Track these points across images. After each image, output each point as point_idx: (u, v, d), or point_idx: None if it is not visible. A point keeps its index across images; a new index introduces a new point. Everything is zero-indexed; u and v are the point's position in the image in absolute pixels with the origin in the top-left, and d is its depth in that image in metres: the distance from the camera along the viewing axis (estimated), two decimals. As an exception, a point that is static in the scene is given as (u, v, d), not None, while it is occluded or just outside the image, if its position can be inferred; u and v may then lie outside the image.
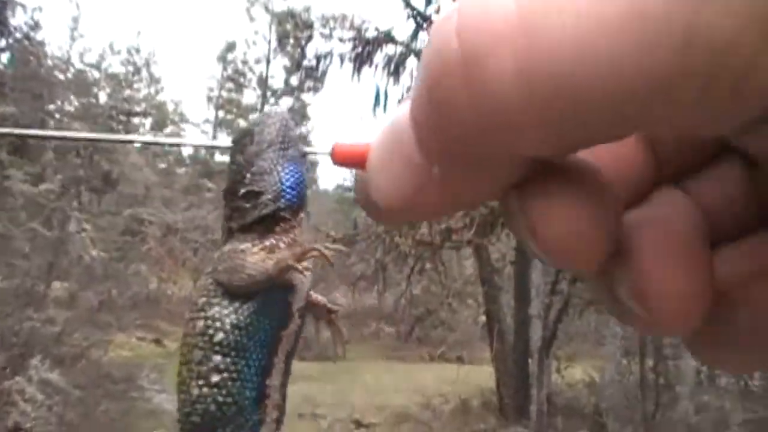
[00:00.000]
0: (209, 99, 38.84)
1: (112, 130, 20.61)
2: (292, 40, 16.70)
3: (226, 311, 0.47)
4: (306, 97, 35.88)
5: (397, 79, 14.48)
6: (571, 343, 14.22)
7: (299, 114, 37.20)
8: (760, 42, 0.22)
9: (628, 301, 0.33)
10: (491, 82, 0.25)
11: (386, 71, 14.54)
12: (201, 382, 0.48)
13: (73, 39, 24.91)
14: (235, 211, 0.44)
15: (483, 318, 14.28)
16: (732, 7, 0.22)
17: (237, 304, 0.47)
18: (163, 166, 35.65)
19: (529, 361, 10.74)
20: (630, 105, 0.24)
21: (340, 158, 0.42)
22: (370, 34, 14.84)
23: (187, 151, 39.24)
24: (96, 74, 25.09)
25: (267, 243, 0.49)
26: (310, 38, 15.69)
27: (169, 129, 37.98)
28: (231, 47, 37.86)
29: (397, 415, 12.96)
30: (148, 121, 35.17)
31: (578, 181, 0.31)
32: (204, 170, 35.62)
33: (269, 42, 35.17)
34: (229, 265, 0.47)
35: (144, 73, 33.87)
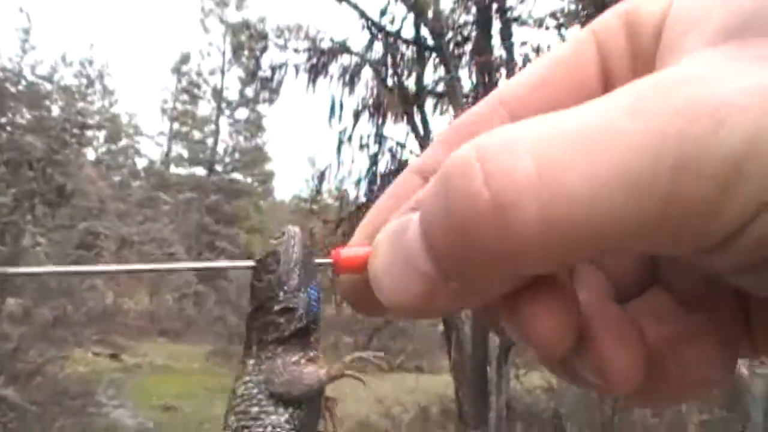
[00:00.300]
0: (164, 111, 38.63)
1: (65, 143, 20.38)
2: (246, 51, 16.65)
3: (283, 418, 0.53)
4: (261, 108, 35.79)
5: (352, 90, 14.49)
6: (529, 349, 14.31)
7: (255, 125, 37.10)
8: (722, 197, 0.31)
9: (590, 376, 0.41)
10: (518, 224, 0.32)
11: (341, 81, 14.55)
12: None
13: (24, 51, 24.67)
14: (270, 324, 0.51)
15: (441, 327, 14.33)
16: (701, 176, 0.30)
17: (291, 410, 0.54)
18: (117, 179, 35.37)
19: (488, 368, 10.80)
20: (619, 240, 0.33)
21: (344, 268, 0.48)
22: (325, 44, 14.84)
23: (141, 164, 38.95)
24: (48, 86, 24.86)
25: (311, 354, 0.56)
26: (265, 49, 15.66)
27: (123, 142, 37.68)
28: (185, 59, 37.68)
29: (357, 424, 12.96)
30: (102, 134, 34.89)
31: (555, 288, 0.38)
32: (159, 183, 35.39)
33: (224, 53, 35.11)
34: (287, 378, 0.53)
35: (97, 86, 33.66)
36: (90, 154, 32.77)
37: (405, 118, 14.04)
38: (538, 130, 0.33)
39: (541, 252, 0.33)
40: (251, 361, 0.57)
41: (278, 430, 0.55)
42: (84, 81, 31.50)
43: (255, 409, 0.55)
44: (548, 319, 0.38)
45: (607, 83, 0.44)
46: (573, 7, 11.38)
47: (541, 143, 0.33)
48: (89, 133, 27.03)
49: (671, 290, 0.46)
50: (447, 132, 0.50)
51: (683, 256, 0.36)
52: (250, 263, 0.55)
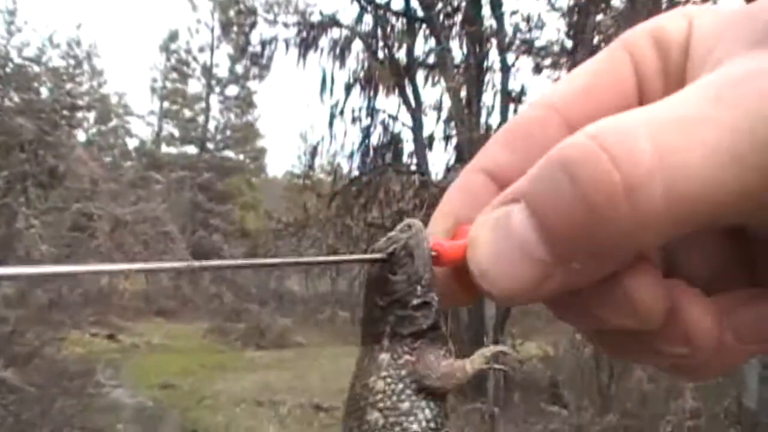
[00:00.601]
0: (153, 90, 38.41)
1: (55, 124, 20.30)
2: (236, 27, 16.58)
3: (434, 412, 0.52)
4: (252, 84, 35.64)
5: (343, 63, 14.47)
6: (525, 320, 14.36)
7: (245, 102, 36.97)
8: None
9: (676, 346, 0.46)
10: (646, 202, 0.37)
11: (332, 55, 14.52)
12: None
13: (10, 33, 24.45)
14: (405, 319, 0.49)
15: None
16: None
17: (439, 404, 0.53)
18: (109, 159, 35.26)
19: (484, 338, 10.83)
20: (729, 210, 0.38)
21: (447, 261, 0.51)
22: (315, 18, 14.80)
23: (132, 144, 38.84)
24: (36, 68, 24.68)
25: (449, 347, 0.55)
26: (254, 25, 15.60)
27: (113, 122, 37.53)
28: (173, 36, 37.46)
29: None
30: (92, 115, 34.73)
31: (651, 266, 0.43)
32: (151, 162, 35.29)
33: (212, 30, 34.90)
34: (443, 372, 0.52)
35: (86, 66, 33.43)
36: (81, 135, 32.64)
37: (396, 90, 14.02)
38: (647, 118, 0.39)
39: (664, 226, 0.38)
40: (384, 356, 0.54)
41: (431, 424, 0.53)
42: (72, 62, 31.24)
43: (406, 404, 0.53)
44: (653, 289, 0.43)
45: (642, 96, 0.51)
46: None
47: (654, 129, 0.38)
48: (79, 114, 26.92)
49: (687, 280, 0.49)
50: (502, 134, 0.54)
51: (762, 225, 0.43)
52: (381, 256, 0.53)
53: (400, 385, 0.52)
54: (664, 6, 9.97)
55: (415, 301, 0.52)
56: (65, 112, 21.89)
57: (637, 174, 0.37)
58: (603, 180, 0.37)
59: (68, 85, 26.60)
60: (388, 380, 0.52)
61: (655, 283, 0.43)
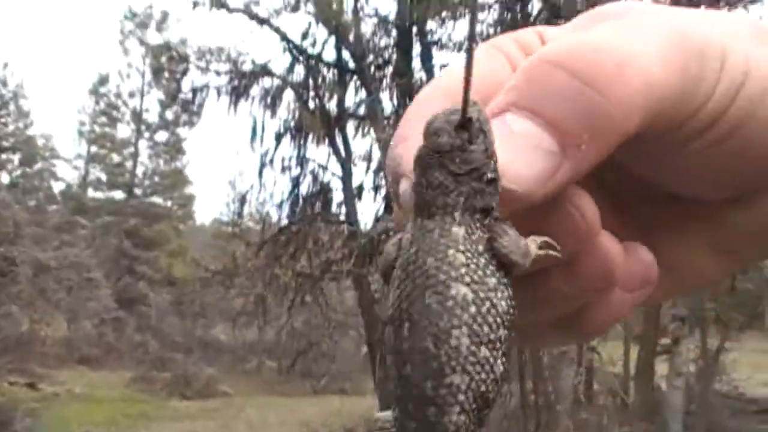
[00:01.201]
0: (81, 133, 37.88)
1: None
2: (167, 73, 16.50)
3: (511, 294, 0.47)
4: (181, 131, 35.41)
5: (274, 112, 14.49)
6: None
7: (174, 148, 36.73)
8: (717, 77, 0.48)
9: (594, 281, 0.52)
10: (630, 85, 0.45)
11: (263, 104, 14.53)
12: (504, 360, 0.45)
13: (-65, 73, 24.06)
14: (478, 192, 0.43)
15: (365, 349, 14.35)
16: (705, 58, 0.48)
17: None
18: (33, 203, 34.62)
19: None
20: (673, 105, 0.47)
21: None
22: (247, 67, 14.83)
23: (58, 187, 38.20)
24: (-39, 109, 24.26)
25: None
26: (185, 71, 15.56)
27: (39, 165, 36.92)
28: (104, 80, 37.12)
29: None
30: (16, 157, 34.14)
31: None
32: (77, 207, 34.74)
33: (143, 74, 34.68)
34: (524, 250, 0.47)
35: (12, 107, 32.93)
36: (4, 177, 32.08)
37: (327, 140, 14.08)
38: (597, 34, 0.49)
39: (644, 105, 0.46)
40: (458, 229, 0.49)
41: (513, 303, 0.50)
42: (-3, 102, 30.83)
43: (492, 280, 0.48)
44: (591, 202, 0.50)
45: None
46: (492, 31, 11.56)
47: (611, 36, 0.48)
48: (3, 155, 26.49)
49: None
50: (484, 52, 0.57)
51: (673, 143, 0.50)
52: (462, 118, 0.48)
53: (482, 260, 0.48)
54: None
55: (489, 175, 0.49)
56: (-11, 155, 21.54)
57: (621, 65, 0.45)
58: (597, 62, 0.46)
59: (-7, 127, 26.20)
60: (468, 254, 0.47)
61: (591, 201, 0.50)
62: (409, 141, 0.50)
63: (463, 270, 0.47)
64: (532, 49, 0.55)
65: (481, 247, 0.49)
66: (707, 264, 0.58)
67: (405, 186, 0.49)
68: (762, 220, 0.56)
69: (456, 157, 0.48)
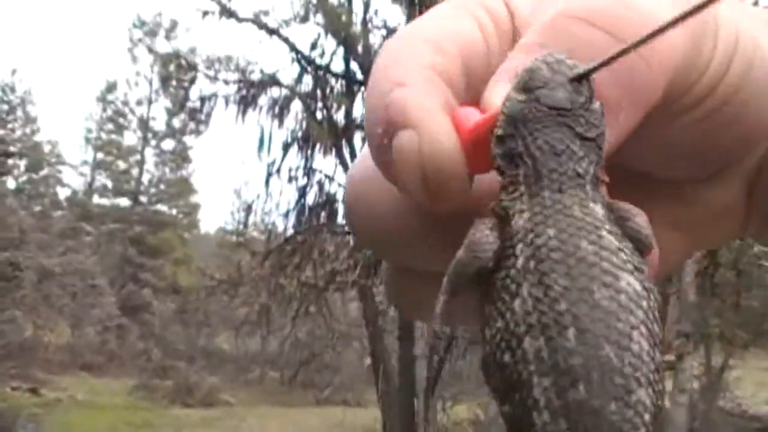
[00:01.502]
0: (87, 140, 37.97)
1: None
2: (175, 82, 16.54)
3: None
4: (188, 139, 35.47)
5: (281, 122, 14.51)
6: (456, 383, 14.38)
7: (180, 157, 36.79)
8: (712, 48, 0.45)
9: None
10: (662, 47, 0.42)
11: (271, 114, 14.56)
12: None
13: (-56, 78, 24.14)
14: (598, 163, 0.35)
15: (368, 360, 14.32)
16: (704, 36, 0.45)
17: None
18: (39, 208, 34.68)
19: (415, 401, 10.81)
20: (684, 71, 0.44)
21: (472, 137, 0.43)
22: (255, 76, 14.86)
23: (64, 193, 38.29)
24: (-32, 114, 24.35)
25: None
26: (193, 80, 15.59)
27: (45, 171, 37.01)
28: (111, 87, 37.23)
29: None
30: (23, 163, 34.22)
31: None
32: (82, 213, 34.78)
33: (151, 82, 34.76)
34: (649, 232, 0.38)
35: (19, 113, 33.02)
36: (10, 182, 32.14)
37: (334, 150, 14.09)
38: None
39: (669, 76, 0.42)
40: (596, 206, 0.40)
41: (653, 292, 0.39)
42: (5, 108, 30.91)
43: (645, 267, 0.38)
44: None
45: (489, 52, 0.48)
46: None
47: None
48: (10, 161, 26.55)
49: None
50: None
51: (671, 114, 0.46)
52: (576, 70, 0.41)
53: (630, 244, 0.37)
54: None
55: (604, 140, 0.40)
56: (-4, 160, 21.60)
57: (652, 12, 0.41)
58: (632, 19, 0.41)
59: (0, 131, 26.27)
60: (617, 237, 0.39)
61: None
62: (411, 86, 0.42)
63: (622, 256, 0.39)
64: (498, 15, 0.48)
65: (617, 228, 0.40)
66: (668, 244, 0.50)
67: (411, 139, 0.40)
68: (726, 197, 0.53)
69: (580, 116, 0.40)
